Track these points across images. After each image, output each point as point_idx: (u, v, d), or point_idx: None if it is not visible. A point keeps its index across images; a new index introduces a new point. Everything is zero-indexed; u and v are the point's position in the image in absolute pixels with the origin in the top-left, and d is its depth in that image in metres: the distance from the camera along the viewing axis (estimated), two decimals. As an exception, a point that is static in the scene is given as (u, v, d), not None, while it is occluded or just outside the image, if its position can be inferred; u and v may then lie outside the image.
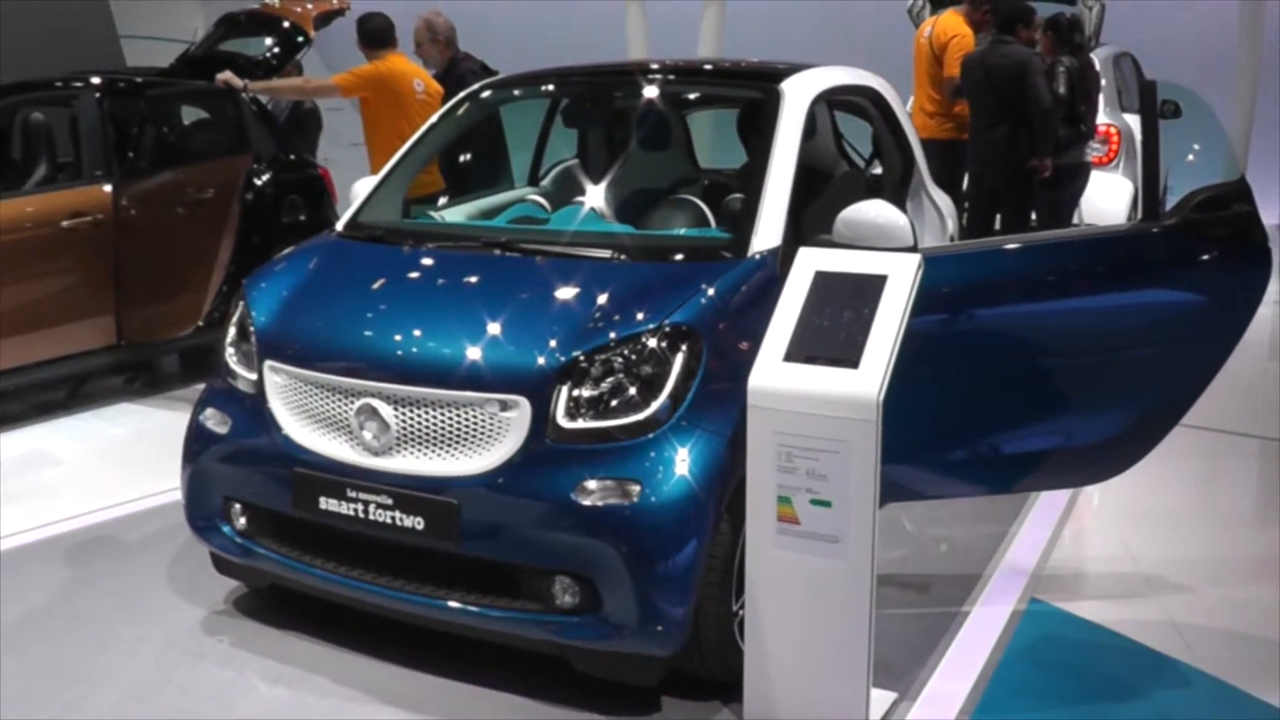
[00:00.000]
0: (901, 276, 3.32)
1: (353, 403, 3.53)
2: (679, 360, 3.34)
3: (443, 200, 5.26)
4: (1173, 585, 4.49)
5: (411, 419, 3.44)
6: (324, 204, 7.81)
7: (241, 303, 4.01)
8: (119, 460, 5.94)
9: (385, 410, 3.47)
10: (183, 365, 7.57)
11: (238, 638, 3.98)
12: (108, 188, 6.64)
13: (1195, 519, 5.37)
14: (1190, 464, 5.85)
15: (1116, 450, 3.90)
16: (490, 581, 3.45)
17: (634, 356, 3.35)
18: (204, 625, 4.08)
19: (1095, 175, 8.07)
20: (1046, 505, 5.21)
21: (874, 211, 3.74)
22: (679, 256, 3.85)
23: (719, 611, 3.39)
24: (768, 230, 3.81)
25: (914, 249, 3.63)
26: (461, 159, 5.90)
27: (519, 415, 3.32)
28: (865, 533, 3.18)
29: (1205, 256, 3.61)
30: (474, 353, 3.43)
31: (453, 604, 3.48)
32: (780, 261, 3.77)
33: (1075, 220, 8.16)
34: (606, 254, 3.83)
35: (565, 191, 5.20)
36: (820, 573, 3.24)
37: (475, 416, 3.36)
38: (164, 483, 5.25)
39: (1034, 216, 7.69)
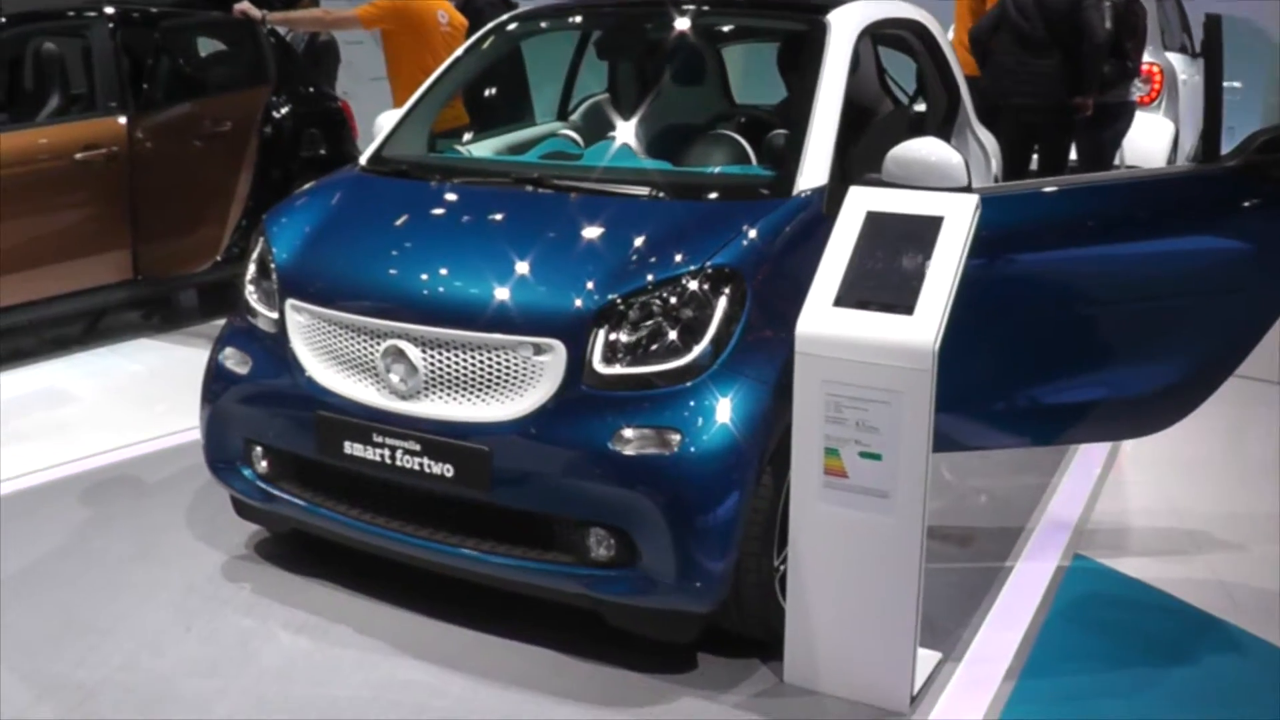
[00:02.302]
0: (958, 218, 3.15)
1: (379, 344, 3.38)
2: (721, 304, 3.18)
3: (468, 135, 5.07)
4: (1218, 541, 4.34)
5: (440, 362, 3.29)
6: (344, 138, 7.66)
7: (262, 238, 3.85)
8: (136, 398, 5.82)
9: (413, 352, 3.32)
10: (201, 301, 7.44)
11: (259, 584, 3.87)
12: (122, 120, 6.50)
13: (1240, 471, 5.20)
14: (1236, 413, 5.65)
15: (1168, 402, 3.75)
16: (521, 532, 3.32)
17: (674, 299, 3.19)
18: (224, 571, 3.97)
19: (1138, 115, 7.81)
20: (1087, 456, 5.06)
21: (926, 149, 3.56)
22: (720, 195, 3.67)
23: (760, 567, 3.26)
24: (814, 168, 3.63)
25: (968, 189, 3.46)
26: (486, 93, 5.71)
27: (554, 359, 3.17)
28: (916, 488, 3.03)
29: (1268, 200, 3.42)
30: (507, 293, 3.27)
31: (481, 554, 3.35)
32: (827, 201, 3.59)
33: (1116, 162, 7.92)
34: (644, 191, 3.65)
35: (596, 127, 5.02)
36: (868, 529, 3.10)
37: (508, 360, 3.21)
38: (182, 421, 5.13)
39: (1073, 156, 7.44)
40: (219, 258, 6.63)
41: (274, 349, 3.66)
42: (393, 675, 3.37)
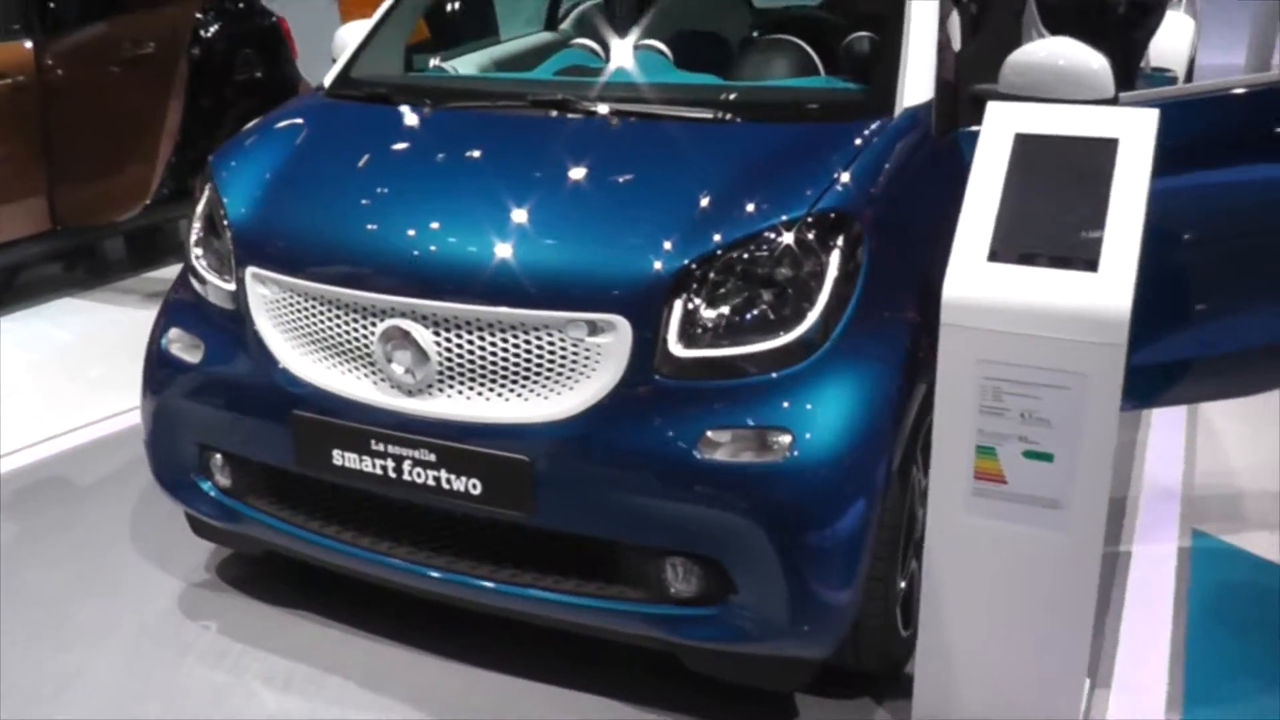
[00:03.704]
0: (1137, 139, 2.42)
1: (374, 325, 2.59)
2: (834, 261, 2.42)
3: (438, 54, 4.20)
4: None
5: (460, 347, 2.51)
6: (283, 58, 6.95)
7: (208, 187, 3.02)
8: (63, 372, 4.95)
9: (422, 335, 2.53)
10: (129, 251, 6.53)
11: (227, 622, 3.10)
12: (28, 44, 5.61)
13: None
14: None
15: None
16: (572, 561, 2.58)
17: (773, 259, 2.43)
18: (183, 604, 3.19)
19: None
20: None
21: (1057, 51, 2.80)
22: (804, 116, 2.88)
23: (886, 594, 2.56)
24: (917, 78, 2.86)
25: (1115, 100, 2.72)
26: (448, 5, 4.86)
27: (615, 341, 2.40)
28: (1097, 497, 2.34)
29: None
30: (549, 255, 2.50)
31: (519, 589, 2.61)
32: (935, 120, 2.84)
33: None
34: (707, 114, 2.86)
35: (596, 38, 4.16)
36: (1031, 546, 2.41)
37: (552, 343, 2.44)
38: (119, 399, 4.34)
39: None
40: (148, 201, 5.86)
41: (232, 329, 2.86)
42: (413, 745, 2.65)
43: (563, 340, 2.44)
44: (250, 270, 2.80)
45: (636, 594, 2.54)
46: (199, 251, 3.00)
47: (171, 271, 6.22)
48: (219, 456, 2.95)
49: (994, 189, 2.40)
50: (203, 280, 2.96)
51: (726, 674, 2.62)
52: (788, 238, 2.43)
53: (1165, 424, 4.34)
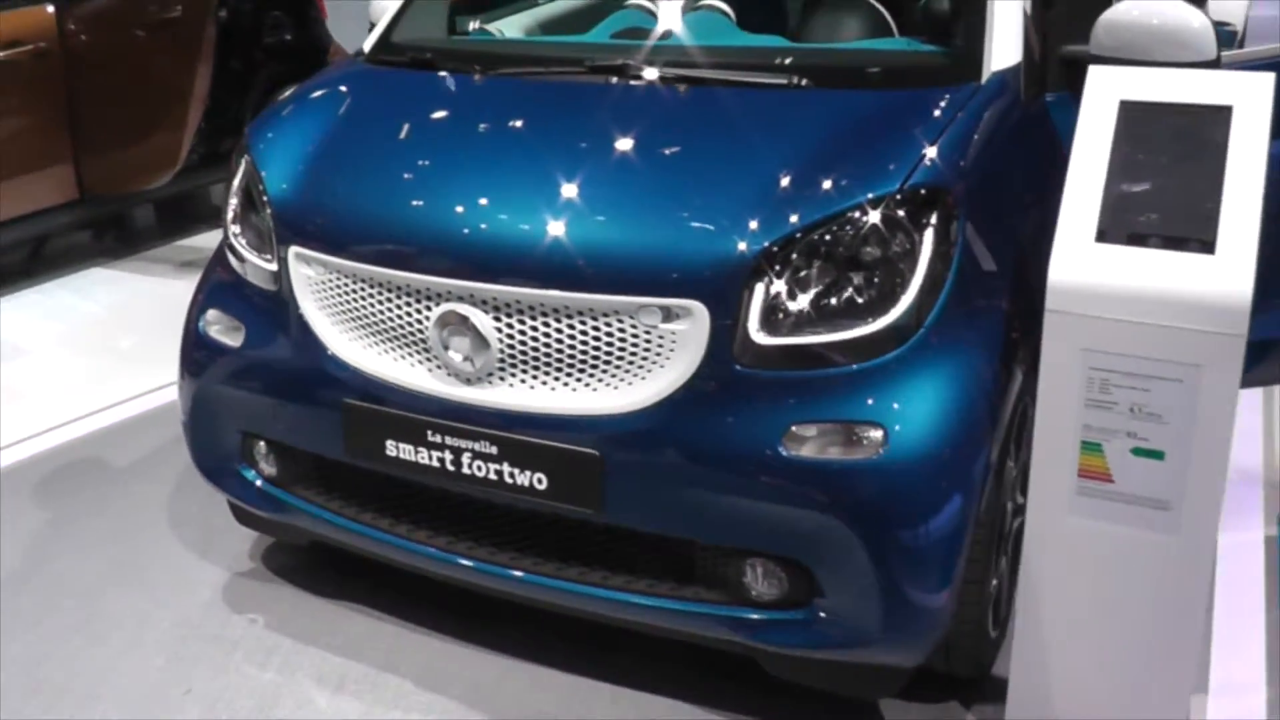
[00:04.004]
0: (1253, 106, 2.23)
1: (430, 309, 2.43)
2: (928, 242, 2.24)
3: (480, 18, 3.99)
4: None
5: (523, 334, 2.35)
6: (312, 20, 6.79)
7: (244, 160, 2.86)
8: (93, 346, 4.82)
9: (482, 321, 2.37)
10: (158, 218, 6.37)
11: (274, 616, 2.96)
12: (50, 9, 5.43)
13: None
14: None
15: None
16: (645, 560, 2.43)
17: (862, 240, 2.25)
18: (226, 596, 3.06)
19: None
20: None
21: (1154, 10, 2.60)
22: (885, 82, 2.69)
23: (980, 596, 2.40)
24: (1005, 40, 2.67)
25: (1218, 61, 2.53)
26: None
27: (691, 328, 2.24)
28: (1210, 498, 2.18)
29: None
30: (619, 236, 2.33)
31: (588, 588, 2.47)
32: (1024, 84, 2.65)
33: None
34: (780, 80, 2.67)
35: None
36: (1138, 549, 2.25)
37: (623, 330, 2.28)
38: (154, 375, 4.22)
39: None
40: (177, 168, 5.71)
41: (274, 311, 2.71)
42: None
43: (634, 327, 2.27)
44: (293, 250, 2.64)
45: (713, 596, 2.39)
46: (236, 229, 2.84)
47: (202, 240, 6.14)
48: (263, 444, 2.81)
49: (1099, 162, 2.22)
50: (241, 259, 2.81)
51: (810, 681, 2.48)
52: (877, 216, 2.25)
53: (1242, 406, 4.15)
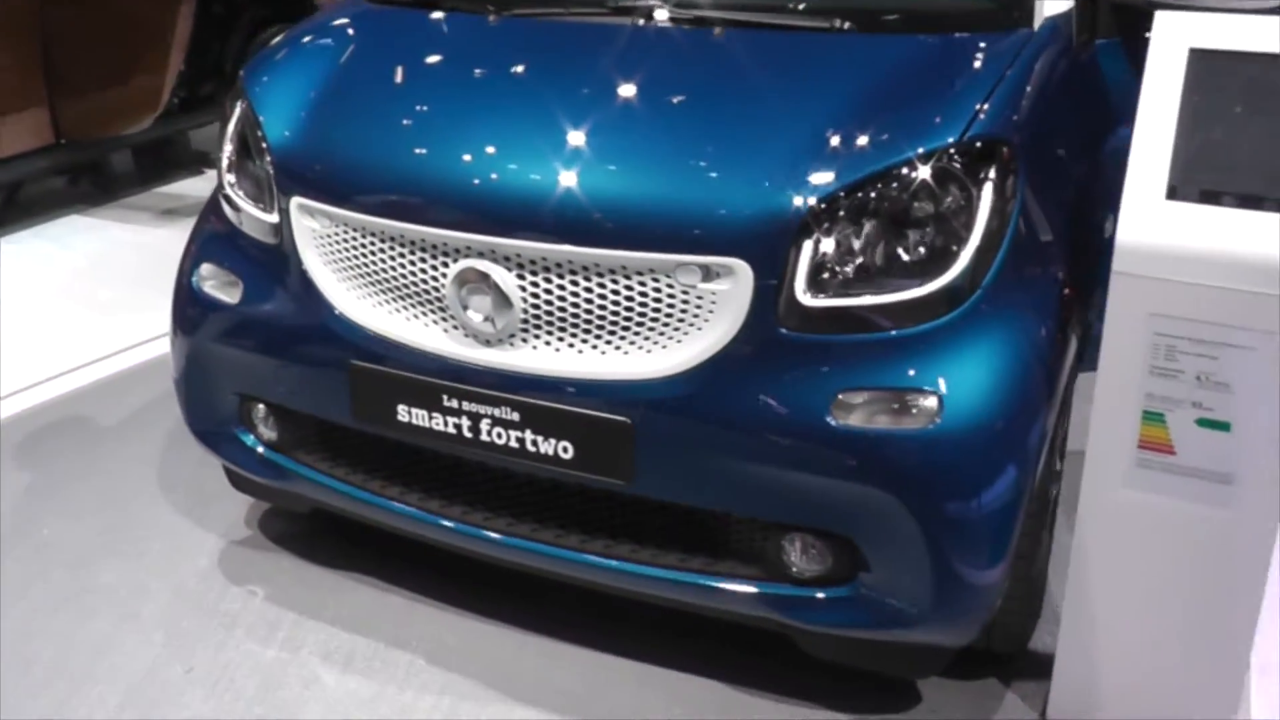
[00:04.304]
0: (1334, 54, 2.06)
1: (447, 265, 2.26)
2: (985, 197, 2.09)
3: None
4: None
5: (549, 293, 2.19)
6: None
7: (240, 104, 2.66)
8: (71, 298, 4.62)
9: (504, 279, 2.20)
10: (137, 164, 6.14)
11: (275, 588, 2.82)
12: (22, -59, 5.14)
13: None
14: None
15: None
16: (675, 532, 2.29)
17: (915, 195, 2.09)
18: (224, 565, 2.91)
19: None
20: None
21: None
22: (933, 26, 2.51)
23: (1029, 572, 2.29)
24: (1056, -17, 2.49)
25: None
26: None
27: (733, 288, 2.08)
28: (1275, 472, 2.03)
29: None
30: (656, 188, 2.16)
31: (614, 561, 2.33)
32: (1076, 30, 2.49)
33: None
34: (823, 24, 2.49)
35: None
36: (1198, 526, 2.13)
37: (659, 290, 2.12)
38: (137, 327, 4.03)
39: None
40: (158, 112, 5.50)
41: (274, 266, 2.54)
42: (496, 730, 2.38)
43: (671, 286, 2.11)
44: (296, 201, 2.46)
45: (749, 571, 2.26)
46: (232, 178, 2.66)
47: (183, 187, 5.93)
48: (262, 408, 2.65)
49: (1168, 114, 2.07)
50: (238, 210, 2.62)
51: (850, 660, 2.35)
52: (932, 170, 2.09)
53: None
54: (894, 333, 2.07)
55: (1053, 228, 2.23)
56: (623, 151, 2.22)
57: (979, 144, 2.12)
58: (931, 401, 2.04)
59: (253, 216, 2.58)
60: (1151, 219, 2.00)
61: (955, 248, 2.07)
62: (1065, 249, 2.25)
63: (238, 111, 2.67)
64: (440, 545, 2.57)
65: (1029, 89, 2.27)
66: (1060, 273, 2.22)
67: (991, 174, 2.10)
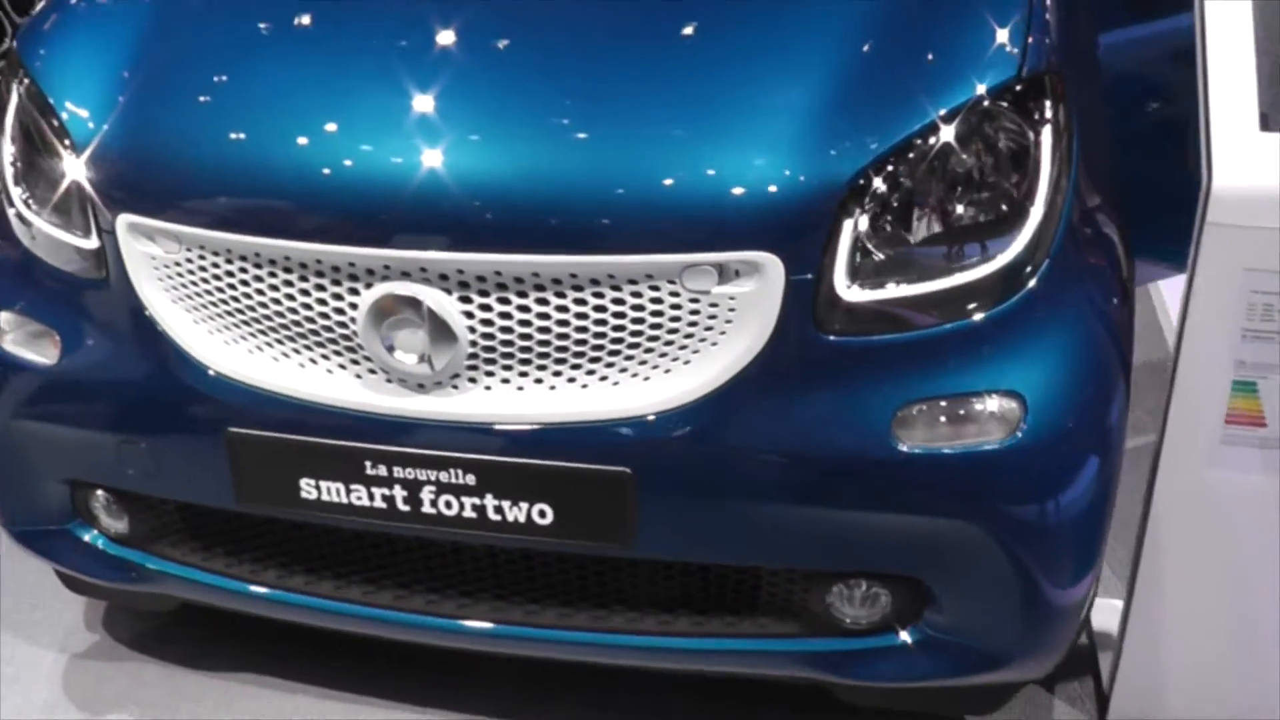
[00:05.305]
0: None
1: (356, 292, 1.71)
2: (1045, 147, 1.68)
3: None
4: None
5: (507, 317, 1.67)
6: None
7: (19, 85, 1.98)
8: None
9: (442, 305, 1.67)
10: None
11: (142, 705, 2.21)
12: None
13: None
14: None
15: None
16: (685, 594, 1.84)
17: (964, 155, 1.67)
18: (69, 689, 2.27)
19: None
20: None
21: None
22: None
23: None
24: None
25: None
26: None
27: (759, 289, 1.62)
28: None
29: None
30: (653, 170, 1.65)
31: (608, 636, 1.87)
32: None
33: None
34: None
35: None
36: (1285, 501, 1.83)
37: (660, 300, 1.65)
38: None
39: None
40: None
41: (103, 308, 1.93)
42: None
43: (676, 295, 1.63)
44: (125, 219, 1.83)
45: (784, 629, 1.84)
46: (21, 190, 1.99)
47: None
48: (102, 494, 2.03)
49: (1245, 35, 1.72)
50: (34, 236, 1.97)
51: (898, 705, 1.97)
52: (989, 118, 1.68)
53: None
54: (959, 324, 1.66)
55: (1099, 167, 1.87)
56: (601, 122, 1.69)
57: (1039, 80, 1.71)
58: (1014, 405, 1.65)
59: (60, 243, 1.93)
60: (1249, 157, 1.66)
61: (1017, 216, 1.67)
62: (1111, 199, 1.90)
63: (16, 97, 1.99)
64: (365, 637, 2.04)
65: (1062, 17, 1.88)
66: (1116, 228, 1.87)
67: (1048, 119, 1.70)
